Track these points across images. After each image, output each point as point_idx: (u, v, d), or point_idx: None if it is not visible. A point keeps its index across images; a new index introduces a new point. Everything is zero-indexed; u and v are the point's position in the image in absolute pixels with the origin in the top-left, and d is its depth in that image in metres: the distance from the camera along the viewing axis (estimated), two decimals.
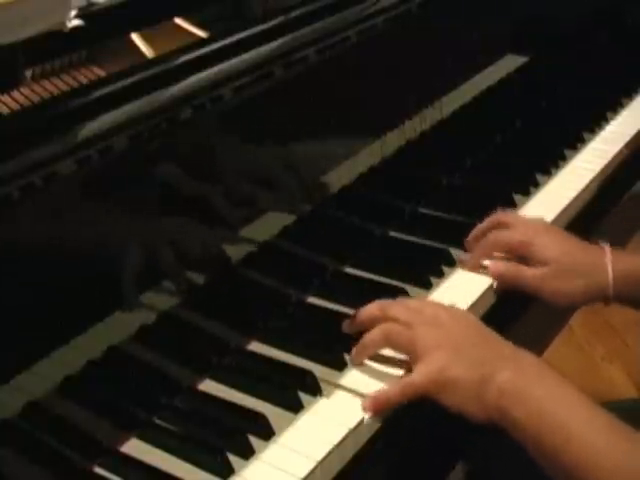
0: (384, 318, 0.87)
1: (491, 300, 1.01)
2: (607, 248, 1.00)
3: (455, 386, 0.80)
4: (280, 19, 0.95)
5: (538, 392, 0.79)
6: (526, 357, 0.82)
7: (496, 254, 1.03)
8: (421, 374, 0.82)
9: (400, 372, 0.86)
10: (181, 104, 0.83)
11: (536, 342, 1.36)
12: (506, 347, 0.83)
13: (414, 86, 1.15)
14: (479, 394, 0.80)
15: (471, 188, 1.22)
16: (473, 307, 0.98)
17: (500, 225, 1.05)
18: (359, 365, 0.88)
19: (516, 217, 1.09)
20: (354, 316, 0.91)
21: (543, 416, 0.77)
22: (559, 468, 0.76)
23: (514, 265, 1.01)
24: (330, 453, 0.79)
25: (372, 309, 0.89)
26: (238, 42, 0.90)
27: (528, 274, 0.99)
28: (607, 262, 0.98)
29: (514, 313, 1.07)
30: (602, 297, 0.99)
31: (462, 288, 1.01)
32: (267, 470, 0.78)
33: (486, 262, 1.03)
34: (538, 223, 1.06)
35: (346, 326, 0.91)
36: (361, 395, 0.84)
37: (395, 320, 0.86)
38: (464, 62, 1.24)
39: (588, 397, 0.79)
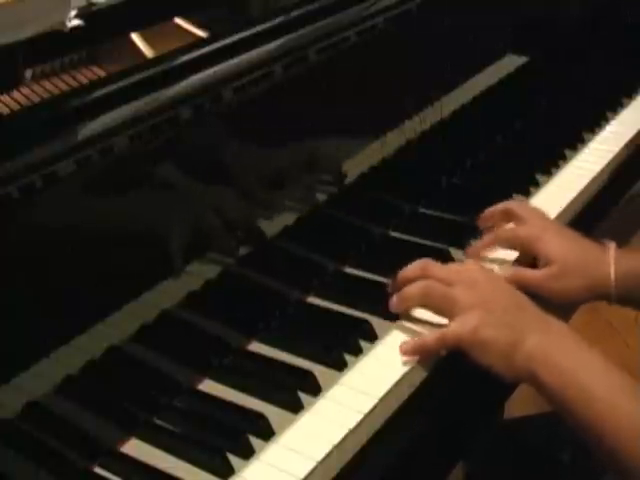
0: (424, 277, 0.91)
1: None
2: (612, 247, 1.01)
3: (486, 346, 0.85)
4: (280, 19, 0.95)
5: (564, 356, 0.84)
6: (555, 324, 0.87)
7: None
8: (456, 329, 0.87)
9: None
10: (181, 104, 0.83)
11: None
12: (536, 313, 0.88)
13: (414, 86, 1.15)
14: (509, 356, 0.84)
15: (471, 188, 1.22)
16: None
17: (512, 217, 1.06)
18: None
19: (529, 212, 1.08)
20: (396, 277, 0.94)
21: (568, 378, 0.82)
22: (582, 426, 0.82)
23: (515, 269, 1.02)
24: (330, 453, 0.79)
25: (413, 269, 0.93)
26: (238, 42, 0.89)
27: (529, 276, 1.00)
28: (610, 262, 0.99)
29: None
30: (604, 296, 1.01)
31: None
32: (267, 470, 0.78)
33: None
34: (547, 222, 1.07)
35: (390, 287, 0.95)
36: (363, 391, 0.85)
37: (434, 279, 0.91)
38: (464, 62, 1.24)
39: (612, 363, 0.83)
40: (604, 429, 0.79)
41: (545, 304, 1.00)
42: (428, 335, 0.89)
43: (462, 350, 0.86)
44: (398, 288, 0.93)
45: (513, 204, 1.10)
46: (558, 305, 1.01)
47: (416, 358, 0.89)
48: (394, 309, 0.93)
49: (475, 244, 1.06)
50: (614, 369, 0.82)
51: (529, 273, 1.01)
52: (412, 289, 0.91)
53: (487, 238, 1.05)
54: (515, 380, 0.87)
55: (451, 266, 0.95)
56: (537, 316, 0.87)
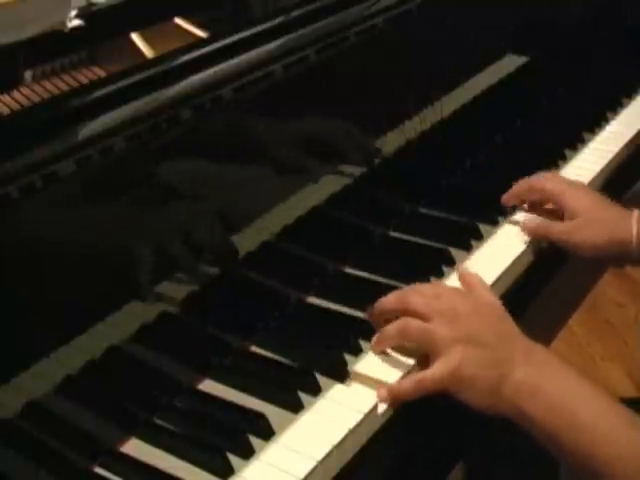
0: (402, 311, 0.88)
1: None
2: (636, 211, 1.05)
3: (471, 384, 0.82)
4: (280, 19, 0.95)
5: (552, 388, 0.81)
6: (539, 352, 0.84)
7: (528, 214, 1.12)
8: (437, 371, 0.83)
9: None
10: (181, 104, 0.83)
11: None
12: (521, 341, 0.85)
13: (414, 86, 1.15)
14: (495, 392, 0.81)
15: (471, 188, 1.22)
16: None
17: (536, 188, 1.12)
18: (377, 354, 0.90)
19: (552, 173, 1.18)
20: (372, 309, 0.90)
21: (558, 412, 0.79)
22: (578, 460, 0.79)
23: (544, 221, 1.09)
24: (330, 453, 0.79)
25: (389, 302, 0.89)
26: (238, 42, 0.90)
27: (557, 228, 1.06)
28: (633, 219, 1.03)
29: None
30: (625, 256, 1.04)
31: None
32: (267, 470, 0.78)
33: (520, 218, 1.11)
34: (573, 181, 1.13)
35: (367, 316, 0.92)
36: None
37: (412, 312, 0.87)
38: (464, 62, 1.24)
39: (601, 389, 0.81)
40: (594, 456, 0.77)
41: (572, 257, 1.08)
42: (407, 382, 0.84)
43: (445, 392, 0.83)
44: (375, 320, 0.90)
45: (537, 176, 1.14)
46: (582, 258, 1.06)
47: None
48: (374, 351, 0.89)
49: (509, 192, 1.12)
50: (602, 393, 0.81)
51: (553, 225, 1.07)
52: (389, 330, 0.88)
53: (519, 185, 1.11)
54: (501, 416, 0.83)
55: (429, 292, 0.89)
56: (521, 344, 0.84)
